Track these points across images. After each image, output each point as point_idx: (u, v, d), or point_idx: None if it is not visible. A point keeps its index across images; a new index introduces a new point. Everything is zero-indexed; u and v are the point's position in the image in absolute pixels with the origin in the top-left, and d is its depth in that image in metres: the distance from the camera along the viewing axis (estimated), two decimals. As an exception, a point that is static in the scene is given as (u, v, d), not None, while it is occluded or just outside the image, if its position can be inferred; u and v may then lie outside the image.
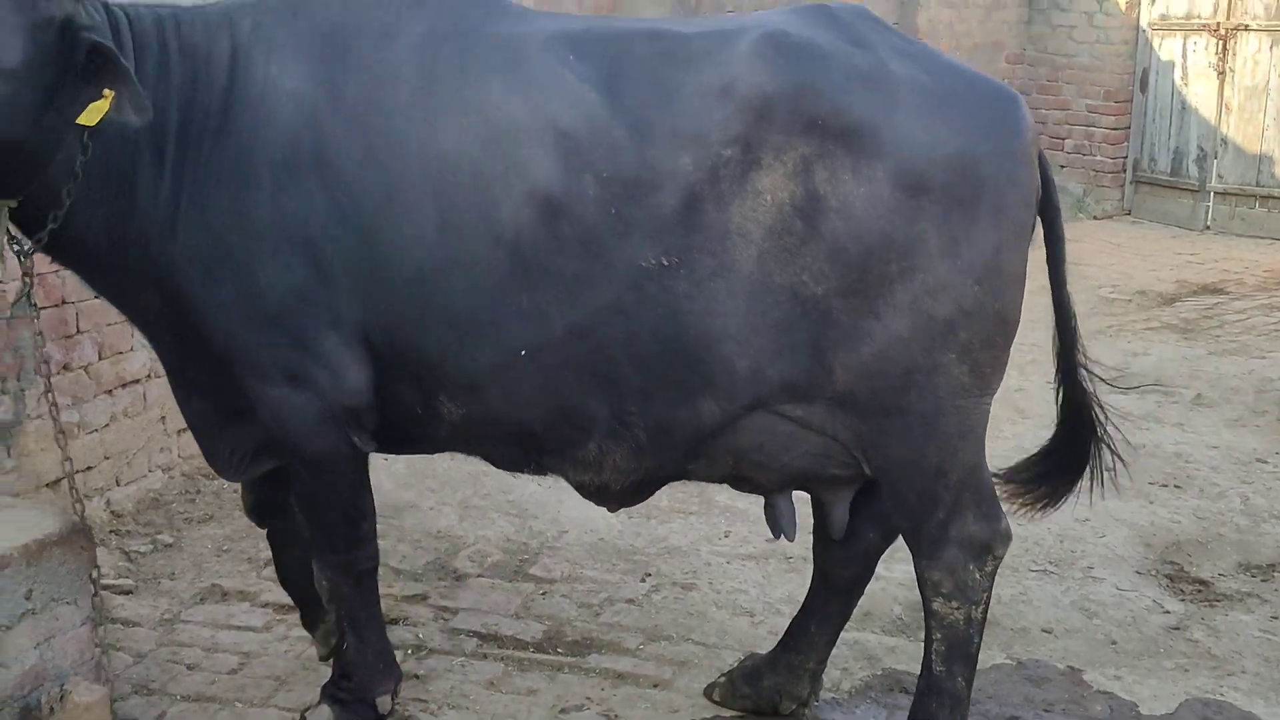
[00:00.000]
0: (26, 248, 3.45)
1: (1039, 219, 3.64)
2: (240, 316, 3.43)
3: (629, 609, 4.89)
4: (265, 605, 4.81)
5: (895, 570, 5.11)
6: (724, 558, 5.35)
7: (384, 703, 3.90)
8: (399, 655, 4.42)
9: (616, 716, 4.16)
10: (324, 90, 3.37)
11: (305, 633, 4.49)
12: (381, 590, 4.64)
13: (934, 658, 3.73)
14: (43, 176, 3.29)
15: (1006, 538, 3.67)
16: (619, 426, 3.46)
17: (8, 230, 3.33)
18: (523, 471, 3.75)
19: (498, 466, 3.79)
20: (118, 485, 5.49)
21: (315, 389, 3.47)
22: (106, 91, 3.15)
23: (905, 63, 3.35)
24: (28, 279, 3.49)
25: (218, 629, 4.63)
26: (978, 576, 3.64)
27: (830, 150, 3.24)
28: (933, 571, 3.64)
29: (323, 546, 3.77)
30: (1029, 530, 5.46)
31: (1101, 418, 3.95)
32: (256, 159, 3.35)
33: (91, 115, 3.16)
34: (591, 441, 3.50)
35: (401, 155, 3.33)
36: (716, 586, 5.09)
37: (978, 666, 4.17)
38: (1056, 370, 3.92)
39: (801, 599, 4.17)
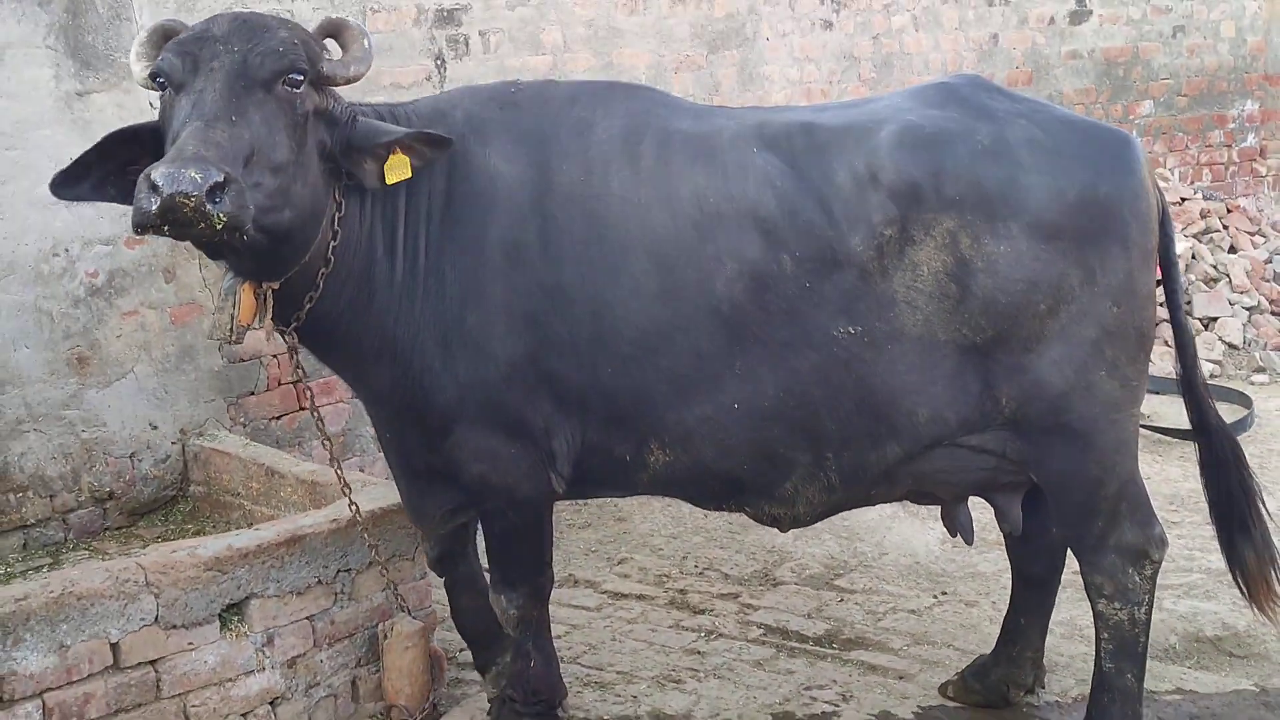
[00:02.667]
0: (287, 329, 3.87)
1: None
2: (471, 383, 3.85)
3: (909, 618, 5.41)
4: (603, 593, 5.76)
5: (1180, 605, 5.32)
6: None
7: (564, 705, 4.47)
8: (694, 638, 5.25)
9: (851, 696, 4.73)
10: (543, 176, 3.81)
11: (624, 612, 5.42)
12: (701, 588, 5.54)
13: (1103, 656, 4.05)
14: (304, 260, 3.71)
15: (1162, 543, 3.98)
16: (816, 470, 3.94)
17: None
18: (716, 509, 4.31)
19: (691, 504, 4.35)
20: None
21: (531, 441, 3.92)
22: (396, 152, 3.64)
23: (1020, 126, 3.81)
24: (294, 352, 4.05)
25: (559, 606, 5.61)
26: (1137, 580, 3.96)
27: (970, 220, 3.71)
28: (1094, 576, 4.00)
29: (516, 579, 4.23)
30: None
31: (1235, 446, 4.19)
32: (488, 239, 3.79)
33: (397, 172, 3.65)
34: (789, 482, 3.99)
35: (623, 237, 3.77)
36: (999, 606, 5.44)
37: (1215, 689, 4.42)
38: (1182, 394, 4.15)
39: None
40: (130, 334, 5.34)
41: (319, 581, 4.50)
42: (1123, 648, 4.03)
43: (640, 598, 5.70)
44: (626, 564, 6.11)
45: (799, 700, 4.71)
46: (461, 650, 5.14)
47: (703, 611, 5.53)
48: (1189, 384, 4.17)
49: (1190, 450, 7.20)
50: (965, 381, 3.85)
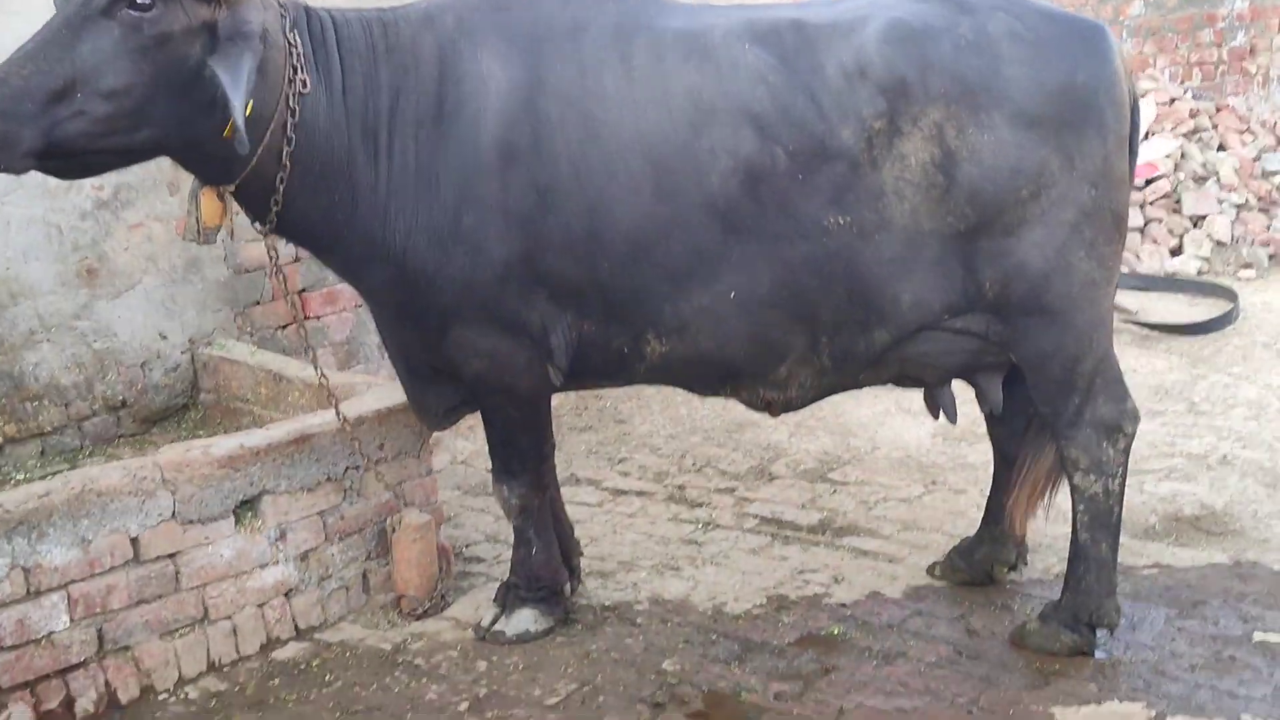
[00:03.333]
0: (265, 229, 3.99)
1: None
2: (468, 282, 3.96)
3: (899, 506, 5.60)
4: (604, 490, 5.95)
5: (1161, 488, 5.50)
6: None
7: (568, 587, 4.69)
8: (691, 529, 5.44)
9: (842, 579, 4.92)
10: (536, 78, 3.87)
11: (624, 507, 5.62)
12: (698, 484, 5.71)
13: (1080, 528, 4.24)
14: (251, 167, 3.77)
15: (1134, 417, 4.17)
16: (810, 354, 4.11)
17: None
18: (713, 394, 4.46)
19: (689, 391, 4.51)
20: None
21: (529, 336, 4.06)
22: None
23: (1000, 19, 3.93)
24: (273, 252, 4.15)
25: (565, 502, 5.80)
26: (1111, 453, 4.14)
27: (955, 112, 3.84)
28: (1070, 449, 4.17)
29: (516, 469, 4.43)
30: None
31: None
32: (482, 142, 3.86)
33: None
34: (783, 366, 4.15)
35: (618, 136, 3.85)
36: (987, 493, 5.64)
37: (1190, 563, 4.61)
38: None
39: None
40: (137, 246, 5.47)
41: (328, 479, 4.68)
42: (1097, 519, 4.21)
43: (640, 494, 5.89)
44: (627, 463, 6.29)
45: (793, 583, 4.89)
46: (468, 546, 5.35)
47: (700, 505, 5.71)
48: None
49: (1174, 344, 7.43)
50: (949, 267, 4.00)
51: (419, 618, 4.75)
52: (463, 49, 3.94)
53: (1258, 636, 4.27)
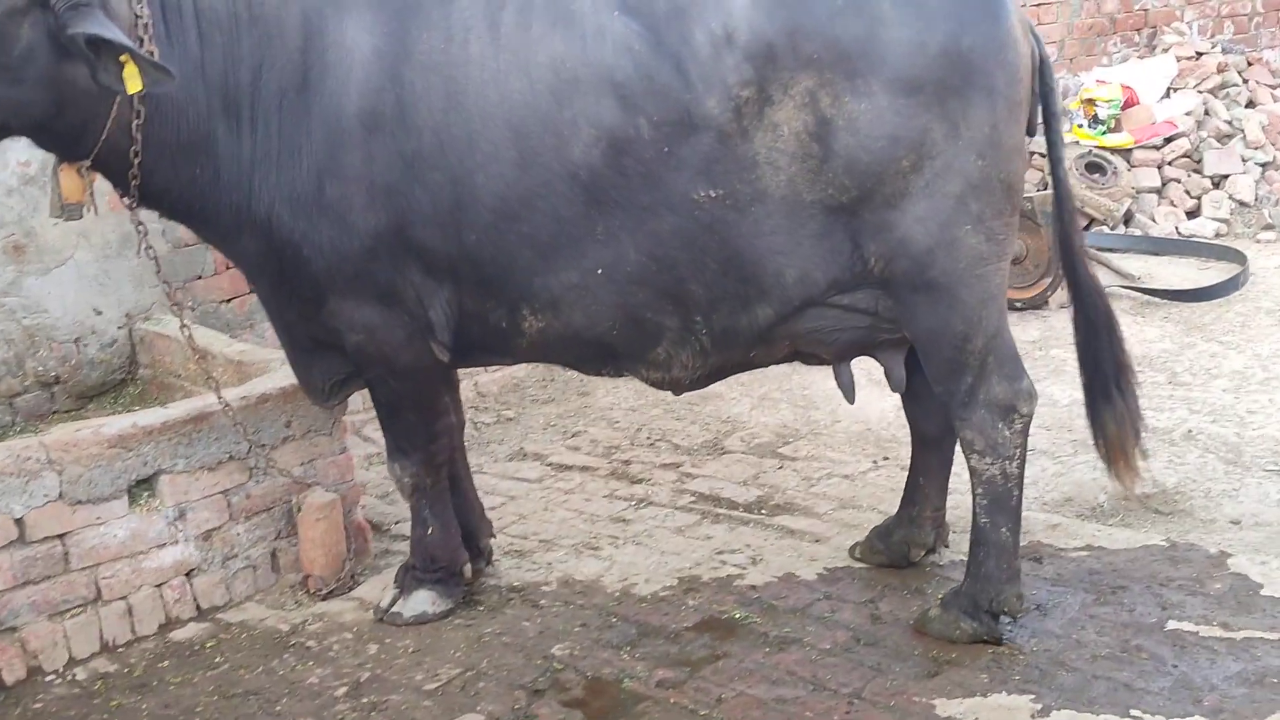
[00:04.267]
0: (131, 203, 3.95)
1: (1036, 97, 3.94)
2: (337, 253, 3.89)
3: (842, 483, 5.43)
4: (548, 465, 5.84)
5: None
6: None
7: (468, 569, 4.56)
8: (625, 506, 5.31)
9: (760, 560, 4.77)
10: (401, 46, 3.77)
11: (563, 483, 5.52)
12: (645, 459, 5.58)
13: (979, 511, 4.05)
14: (102, 141, 3.74)
15: (1030, 396, 3.97)
16: (686, 334, 3.96)
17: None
18: (598, 374, 4.33)
19: (574, 369, 4.38)
20: (486, 371, 6.73)
21: (405, 309, 3.98)
22: (124, 59, 3.50)
23: None
24: (141, 227, 4.06)
25: (502, 479, 5.72)
26: (1007, 434, 3.94)
27: (829, 78, 3.63)
28: (966, 431, 3.98)
29: (407, 447, 4.33)
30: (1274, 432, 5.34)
31: (1107, 310, 4.15)
32: (345, 112, 3.78)
33: (132, 83, 3.52)
34: (660, 347, 4.01)
35: (481, 105, 3.74)
36: (935, 469, 5.45)
37: (1124, 544, 4.41)
38: (1060, 263, 4.10)
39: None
40: (67, 222, 5.42)
41: (231, 457, 4.61)
42: (996, 502, 4.02)
43: (583, 469, 5.77)
44: (580, 437, 6.18)
45: (709, 564, 4.76)
46: (397, 522, 5.27)
47: (640, 481, 5.58)
48: (1064, 243, 4.11)
49: (1173, 311, 7.13)
50: (833, 241, 3.82)
51: (324, 598, 4.69)
52: (328, 17, 3.85)
53: (1171, 625, 4.06)
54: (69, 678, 4.24)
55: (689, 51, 3.72)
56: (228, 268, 5.93)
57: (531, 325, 4.03)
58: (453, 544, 4.53)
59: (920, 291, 3.85)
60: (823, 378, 6.47)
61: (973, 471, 4.03)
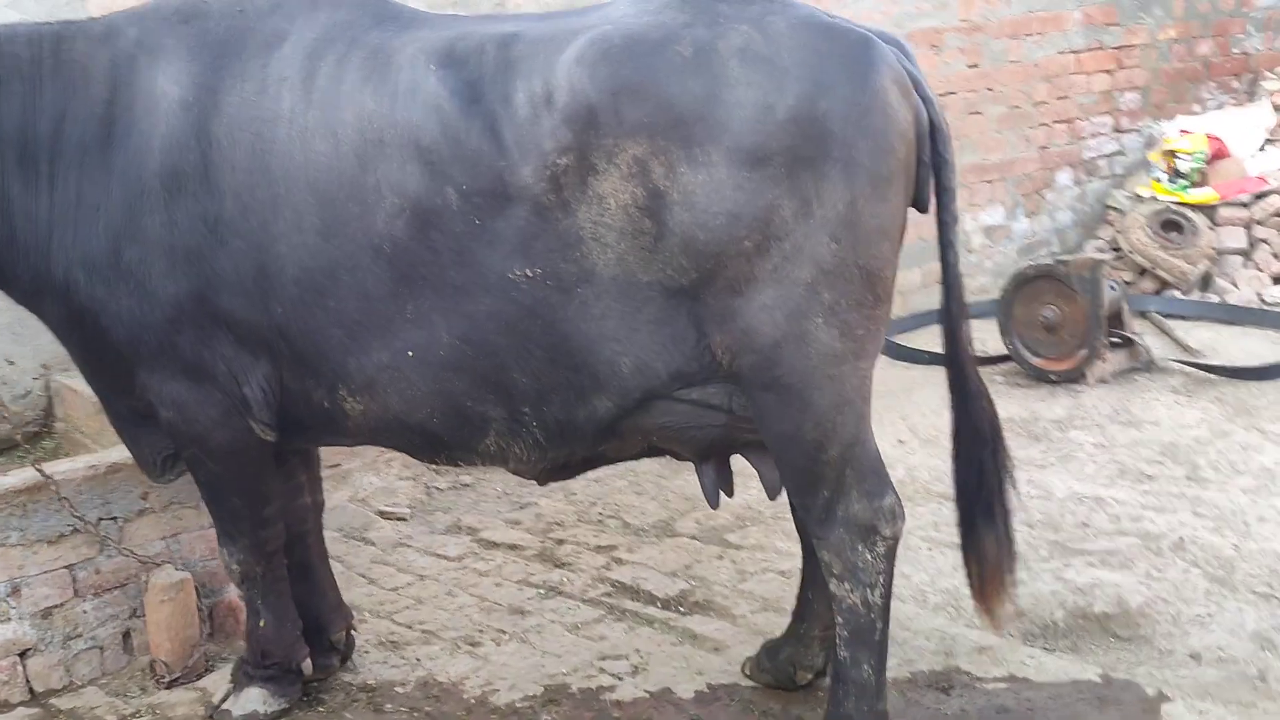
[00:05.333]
0: None
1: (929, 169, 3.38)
2: (138, 321, 3.56)
3: (775, 579, 4.86)
4: (477, 541, 5.40)
5: (1083, 575, 4.62)
6: (926, 544, 5.05)
7: (307, 666, 4.13)
8: (531, 595, 4.84)
9: (642, 669, 4.25)
10: (211, 99, 3.44)
11: (482, 564, 5.09)
12: (581, 539, 5.12)
13: (839, 644, 3.49)
14: None
15: (892, 516, 3.40)
16: (515, 425, 3.49)
17: None
18: (434, 462, 3.85)
19: (412, 456, 3.90)
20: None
21: (215, 384, 3.61)
22: None
23: (740, 32, 3.17)
24: None
25: (423, 554, 5.30)
26: (868, 558, 3.38)
27: (662, 146, 3.14)
28: (822, 552, 3.44)
29: (232, 532, 3.92)
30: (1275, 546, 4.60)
31: (993, 417, 3.60)
32: (146, 170, 3.46)
33: None
34: (488, 438, 3.54)
35: (286, 166, 3.37)
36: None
37: (1053, 677, 3.83)
38: (945, 357, 3.56)
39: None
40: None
41: (75, 530, 4.30)
42: (857, 635, 3.44)
43: (511, 548, 5.33)
44: (527, 510, 5.73)
45: (585, 672, 4.26)
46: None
47: (564, 565, 5.11)
48: (950, 335, 3.55)
49: (1227, 390, 6.33)
50: (674, 328, 3.31)
51: (168, 686, 4.33)
52: (140, 65, 3.52)
53: (1061, 789, 3.40)
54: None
55: (506, 113, 3.25)
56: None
57: (352, 407, 3.60)
58: (288, 638, 4.10)
59: (768, 391, 3.31)
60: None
61: (833, 598, 3.49)
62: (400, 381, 3.49)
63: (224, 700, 4.12)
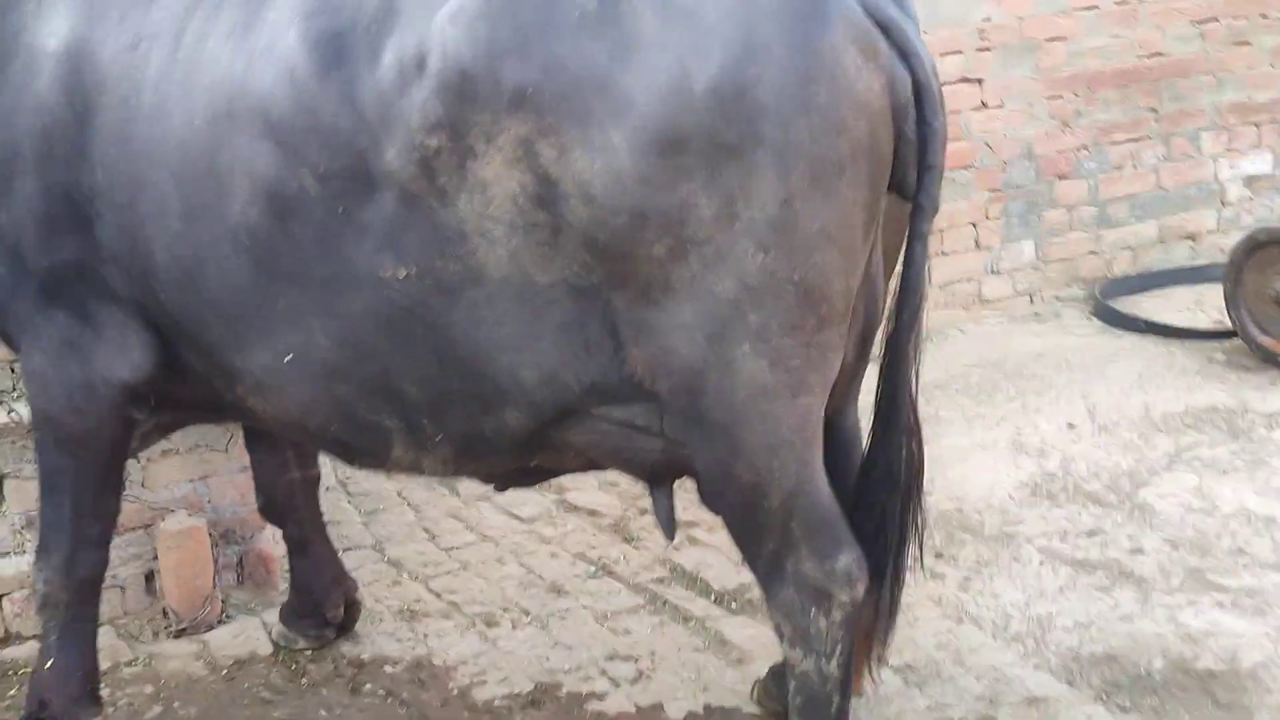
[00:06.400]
0: None
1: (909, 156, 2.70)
2: (10, 291, 3.22)
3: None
4: (562, 502, 5.02)
5: (1200, 619, 3.85)
6: (1041, 556, 4.33)
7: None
8: (580, 571, 4.43)
9: (645, 677, 3.82)
10: (86, 54, 3.02)
11: (548, 530, 4.71)
12: (646, 521, 4.65)
13: (791, 711, 2.93)
14: None
15: (847, 580, 2.80)
16: (419, 437, 2.99)
17: None
18: (356, 468, 3.42)
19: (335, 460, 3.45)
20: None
21: (86, 365, 3.20)
22: None
23: None
24: None
25: (501, 512, 4.96)
26: (821, 625, 2.82)
27: (551, 124, 2.53)
28: (773, 612, 2.91)
29: (45, 540, 3.39)
30: None
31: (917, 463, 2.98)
32: (19, 129, 3.08)
33: None
34: (395, 450, 3.04)
35: (148, 138, 2.93)
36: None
37: None
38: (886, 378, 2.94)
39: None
40: None
41: (95, 466, 4.17)
42: (811, 704, 2.90)
43: (590, 514, 4.96)
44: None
45: (585, 672, 3.86)
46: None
47: (631, 540, 4.71)
48: (891, 354, 2.90)
49: None
50: (586, 334, 2.72)
51: (176, 634, 4.18)
52: (26, 15, 3.13)
53: None
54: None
55: (370, 78, 2.66)
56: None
57: (254, 404, 3.14)
58: (72, 693, 3.44)
59: (692, 423, 2.73)
60: (940, 434, 5.21)
61: (785, 660, 2.94)
62: (288, 384, 3.01)
63: None
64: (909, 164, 2.67)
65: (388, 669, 3.91)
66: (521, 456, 3.02)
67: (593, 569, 4.45)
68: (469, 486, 5.16)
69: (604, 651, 3.91)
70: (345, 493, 5.18)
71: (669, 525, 3.11)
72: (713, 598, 4.21)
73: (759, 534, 2.79)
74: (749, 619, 4.05)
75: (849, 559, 2.79)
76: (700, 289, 2.56)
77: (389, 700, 3.74)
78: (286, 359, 2.95)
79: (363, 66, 2.68)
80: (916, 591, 3.87)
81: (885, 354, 2.89)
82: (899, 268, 2.84)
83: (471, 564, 4.54)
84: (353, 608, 4.07)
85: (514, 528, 4.83)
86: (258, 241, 2.85)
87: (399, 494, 5.16)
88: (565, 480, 5.06)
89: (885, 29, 2.59)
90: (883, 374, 2.92)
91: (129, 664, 4.02)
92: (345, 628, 4.06)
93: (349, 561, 4.33)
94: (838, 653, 2.82)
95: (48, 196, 3.08)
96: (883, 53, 2.58)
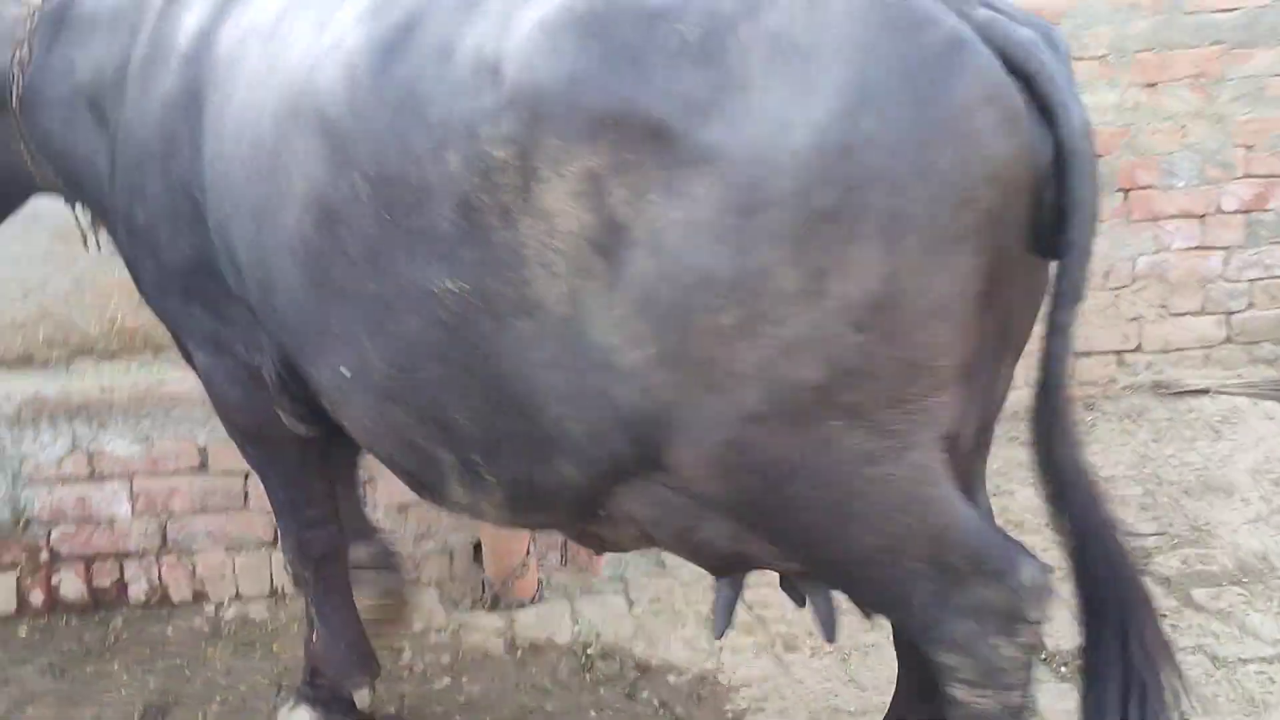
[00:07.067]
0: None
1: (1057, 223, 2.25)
2: (159, 290, 3.20)
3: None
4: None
5: None
6: None
7: (362, 697, 3.56)
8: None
9: None
10: (206, 51, 2.95)
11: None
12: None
13: None
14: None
15: (1035, 591, 2.36)
16: (473, 476, 2.70)
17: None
18: (433, 504, 3.03)
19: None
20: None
21: (236, 362, 3.14)
22: None
23: (785, 8, 2.16)
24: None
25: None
26: (1010, 653, 2.40)
27: (629, 161, 2.22)
28: (945, 655, 2.44)
29: (281, 527, 3.45)
30: None
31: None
32: (151, 127, 3.04)
33: None
34: (451, 486, 2.77)
35: (235, 131, 2.82)
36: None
37: None
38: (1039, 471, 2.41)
39: None
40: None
41: (433, 432, 4.31)
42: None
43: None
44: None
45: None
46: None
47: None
48: (1045, 453, 2.39)
49: None
50: (621, 414, 2.39)
51: (490, 607, 4.26)
52: (169, 13, 3.07)
53: None
54: (227, 613, 4.29)
55: (437, 78, 2.42)
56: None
57: (340, 421, 2.95)
58: (338, 660, 3.51)
59: (780, 515, 2.38)
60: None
61: (957, 705, 2.47)
62: (349, 404, 2.79)
63: (278, 708, 3.66)
64: (1045, 231, 2.23)
65: (670, 678, 3.76)
66: (575, 516, 2.69)
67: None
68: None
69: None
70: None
71: (721, 619, 2.86)
72: (1043, 656, 3.75)
73: (908, 589, 2.37)
74: (1072, 688, 3.56)
75: (1032, 569, 2.35)
76: (775, 375, 2.19)
77: (661, 711, 3.60)
78: (346, 375, 2.73)
79: (429, 60, 2.44)
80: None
81: (1033, 465, 2.40)
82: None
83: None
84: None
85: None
86: (310, 250, 2.66)
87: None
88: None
89: (1031, 79, 2.15)
90: (1044, 481, 2.41)
91: (438, 630, 4.11)
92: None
93: (676, 559, 4.22)
94: (1023, 684, 2.42)
95: (173, 193, 3.03)
96: (1023, 111, 2.15)
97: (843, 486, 2.28)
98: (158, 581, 4.34)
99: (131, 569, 4.30)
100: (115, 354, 4.49)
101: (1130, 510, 4.54)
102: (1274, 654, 3.69)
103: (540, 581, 4.29)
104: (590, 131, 2.23)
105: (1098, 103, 4.98)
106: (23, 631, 4.23)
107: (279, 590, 4.34)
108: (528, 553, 4.22)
